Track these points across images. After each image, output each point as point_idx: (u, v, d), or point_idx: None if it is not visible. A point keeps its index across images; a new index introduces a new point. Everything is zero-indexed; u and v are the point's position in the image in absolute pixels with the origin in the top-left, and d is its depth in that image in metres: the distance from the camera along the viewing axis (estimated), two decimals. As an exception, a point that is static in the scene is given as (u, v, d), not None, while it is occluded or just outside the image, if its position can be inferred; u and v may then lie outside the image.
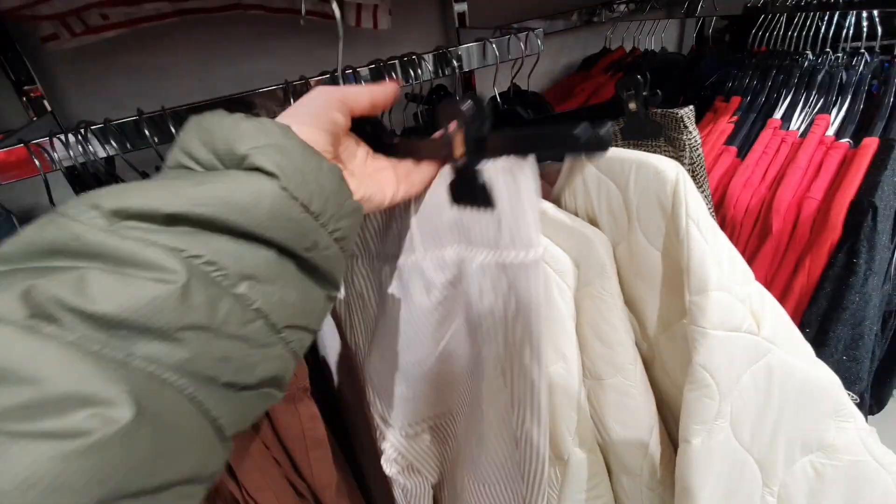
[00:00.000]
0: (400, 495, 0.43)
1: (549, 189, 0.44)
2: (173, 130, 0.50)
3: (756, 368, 0.35)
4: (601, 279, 0.38)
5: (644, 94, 0.42)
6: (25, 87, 0.65)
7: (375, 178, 0.30)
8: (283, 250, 0.20)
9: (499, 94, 0.62)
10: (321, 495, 0.43)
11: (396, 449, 0.42)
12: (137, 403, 0.15)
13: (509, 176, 0.27)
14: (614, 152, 0.38)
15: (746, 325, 0.34)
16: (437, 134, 0.31)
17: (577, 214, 0.41)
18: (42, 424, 0.13)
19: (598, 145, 0.25)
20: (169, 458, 0.16)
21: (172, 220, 0.17)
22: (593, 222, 0.40)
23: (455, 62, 0.56)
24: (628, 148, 0.38)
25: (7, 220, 0.58)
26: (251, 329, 0.18)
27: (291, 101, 0.52)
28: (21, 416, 0.13)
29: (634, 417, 0.39)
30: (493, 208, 0.28)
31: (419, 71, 0.56)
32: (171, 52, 0.72)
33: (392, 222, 0.39)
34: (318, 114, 0.25)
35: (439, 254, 0.33)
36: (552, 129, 0.26)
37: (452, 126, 0.28)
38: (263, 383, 0.19)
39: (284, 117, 0.24)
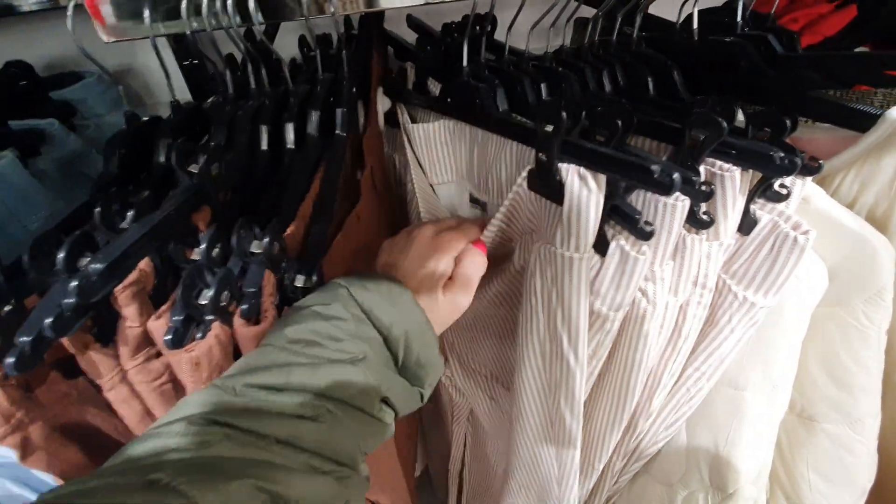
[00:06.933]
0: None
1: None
2: None
3: None
4: (870, 305, 0.28)
5: None
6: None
7: None
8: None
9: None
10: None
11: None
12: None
13: (583, 183, 0.27)
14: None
15: None
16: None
17: (851, 208, 0.30)
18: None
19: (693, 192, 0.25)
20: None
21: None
22: (881, 227, 0.28)
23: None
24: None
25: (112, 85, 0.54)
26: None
27: None
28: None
29: (847, 476, 0.31)
30: (560, 205, 0.28)
31: None
32: None
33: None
34: None
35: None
36: (634, 158, 0.25)
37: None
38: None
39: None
